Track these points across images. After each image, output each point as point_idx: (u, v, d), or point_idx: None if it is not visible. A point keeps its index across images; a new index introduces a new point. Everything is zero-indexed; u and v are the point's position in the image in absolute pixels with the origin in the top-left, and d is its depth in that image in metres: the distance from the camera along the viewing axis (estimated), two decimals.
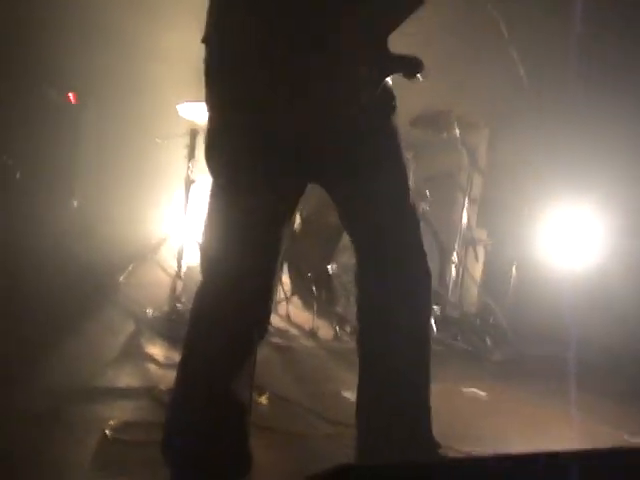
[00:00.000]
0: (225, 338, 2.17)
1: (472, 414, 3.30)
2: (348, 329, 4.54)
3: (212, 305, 2.18)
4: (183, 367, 2.21)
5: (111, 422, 2.72)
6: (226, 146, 2.17)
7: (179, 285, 4.82)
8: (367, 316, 2.22)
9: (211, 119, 2.19)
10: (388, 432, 2.12)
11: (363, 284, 2.24)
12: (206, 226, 2.27)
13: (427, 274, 2.24)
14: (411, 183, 5.31)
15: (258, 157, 2.12)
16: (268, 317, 2.24)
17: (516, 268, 5.19)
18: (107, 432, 2.62)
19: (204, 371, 2.16)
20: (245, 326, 2.18)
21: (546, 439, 3.08)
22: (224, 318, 2.15)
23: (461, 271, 5.26)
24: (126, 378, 3.34)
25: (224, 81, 2.10)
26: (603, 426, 3.27)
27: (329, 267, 4.48)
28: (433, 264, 4.84)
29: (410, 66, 2.07)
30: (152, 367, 3.54)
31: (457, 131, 5.16)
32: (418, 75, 2.08)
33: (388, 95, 2.17)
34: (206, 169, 2.23)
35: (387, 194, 2.20)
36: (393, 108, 2.19)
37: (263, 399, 3.11)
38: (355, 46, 2.01)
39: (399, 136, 2.23)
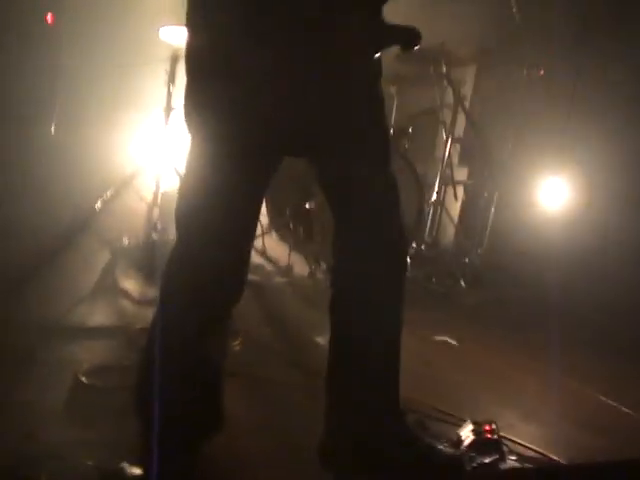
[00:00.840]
0: (197, 308, 2.15)
1: (443, 365, 3.34)
2: (324, 266, 4.55)
3: (186, 272, 2.15)
4: (154, 334, 2.20)
5: (85, 365, 2.73)
6: (206, 106, 2.11)
7: (155, 213, 4.79)
8: (340, 281, 2.21)
9: (192, 73, 2.12)
10: (357, 410, 2.14)
11: (337, 248, 2.23)
12: (183, 185, 2.23)
13: (403, 240, 2.23)
14: (393, 119, 5.25)
15: (240, 121, 2.07)
16: (243, 286, 2.22)
17: (495, 209, 5.19)
18: (81, 377, 2.63)
19: (177, 338, 2.15)
20: (218, 296, 2.17)
21: (515, 393, 3.13)
22: (198, 287, 2.14)
23: (439, 210, 5.26)
24: (101, 316, 3.34)
25: (208, 41, 2.04)
26: (575, 381, 3.30)
27: (307, 204, 4.46)
28: (411, 202, 4.85)
29: (407, 38, 2.01)
30: (127, 304, 3.54)
31: (444, 67, 5.08)
32: (415, 47, 2.02)
33: (376, 61, 2.11)
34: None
35: (367, 160, 2.17)
36: (379, 73, 2.14)
37: (236, 344, 3.13)
38: (349, 15, 1.94)
39: (383, 101, 2.19)
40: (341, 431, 2.16)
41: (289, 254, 4.49)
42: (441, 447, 2.28)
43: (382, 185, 2.19)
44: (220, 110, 2.08)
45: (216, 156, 2.09)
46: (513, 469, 2.19)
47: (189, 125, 2.16)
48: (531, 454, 2.53)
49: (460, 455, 2.23)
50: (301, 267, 4.51)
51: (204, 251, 2.15)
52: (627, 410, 3.04)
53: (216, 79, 2.07)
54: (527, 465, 2.41)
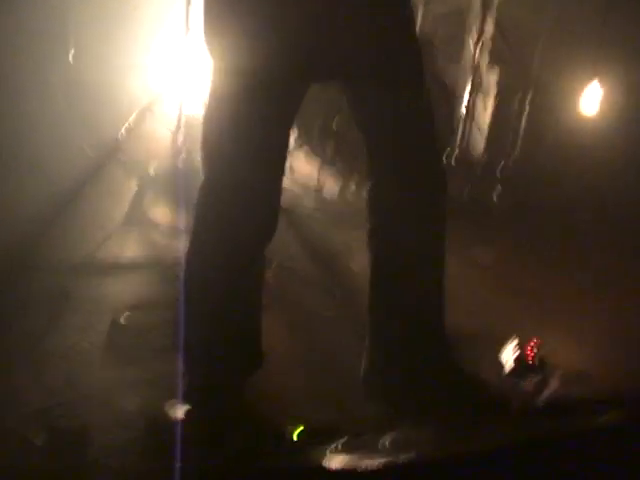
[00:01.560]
0: (231, 244, 2.10)
1: (479, 285, 3.28)
2: (353, 187, 4.47)
3: (217, 208, 2.10)
4: (189, 273, 2.15)
5: (121, 305, 2.71)
6: (228, 30, 2.00)
7: (180, 139, 4.70)
8: (378, 212, 2.15)
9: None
10: (402, 343, 2.10)
11: (372, 178, 2.15)
12: (209, 116, 2.14)
13: (441, 164, 2.14)
14: (421, 20, 4.99)
15: (266, 45, 1.97)
16: (276, 220, 2.16)
17: (527, 114, 5.02)
18: (118, 318, 2.62)
19: (212, 274, 2.11)
20: (252, 231, 2.11)
21: (554, 312, 3.07)
22: (230, 223, 2.08)
23: (469, 120, 5.11)
24: (132, 249, 3.30)
25: None
26: (618, 295, 3.22)
27: (334, 122, 4.35)
28: (440, 112, 4.69)
29: None
30: (157, 236, 3.50)
31: None
32: None
33: None
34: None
35: (401, 83, 2.07)
36: None
37: (270, 275, 3.08)
38: None
39: (414, 19, 2.08)
40: (386, 364, 2.12)
41: (318, 175, 4.40)
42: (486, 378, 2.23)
43: (417, 109, 2.09)
44: (245, 34, 1.97)
45: (243, 86, 2.00)
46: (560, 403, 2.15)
47: (211, 51, 2.06)
48: (574, 376, 2.49)
49: (508, 391, 2.18)
50: (330, 188, 4.43)
51: (235, 184, 2.08)
52: None
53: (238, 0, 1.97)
54: (569, 388, 2.37)
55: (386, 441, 1.40)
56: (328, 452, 1.36)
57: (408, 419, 1.82)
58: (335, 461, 1.27)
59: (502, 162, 4.84)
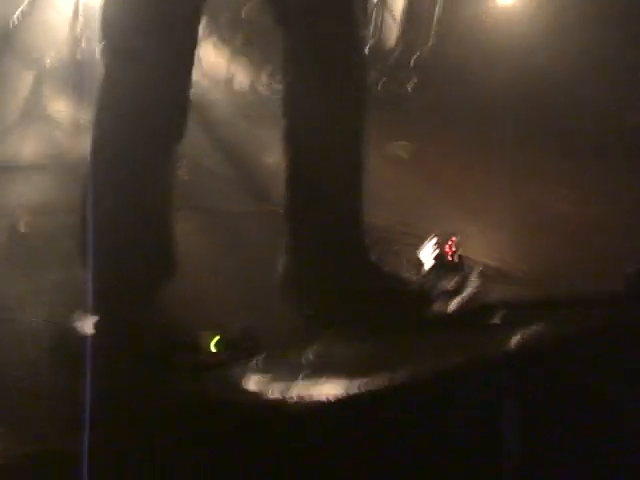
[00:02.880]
0: (139, 142, 1.97)
1: (397, 178, 3.22)
2: (264, 77, 4.30)
3: (122, 104, 1.95)
4: (94, 173, 2.01)
5: (20, 209, 2.54)
6: None
7: (78, 27, 4.41)
8: (293, 108, 2.03)
9: None
10: (320, 240, 2.02)
11: (289, 71, 2.03)
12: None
13: (362, 55, 2.03)
14: None
15: None
16: (186, 115, 2.03)
17: (441, 5, 4.90)
18: (18, 224, 2.45)
19: (118, 176, 1.97)
20: (162, 126, 1.98)
21: (473, 201, 3.04)
22: (137, 119, 1.95)
23: (382, 9, 4.95)
24: (30, 149, 3.10)
25: None
26: (535, 183, 3.21)
27: (243, 10, 4.13)
28: None
29: None
30: (58, 133, 3.29)
31: None
32: None
33: None
34: None
35: None
36: None
37: (182, 173, 2.94)
38: None
39: None
40: (304, 263, 2.05)
41: (227, 66, 4.20)
42: (405, 276, 2.19)
43: None
44: None
45: None
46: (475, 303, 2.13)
47: None
48: (493, 271, 2.48)
49: (425, 287, 2.15)
50: (240, 79, 4.25)
51: (140, 77, 1.93)
52: (587, 210, 2.98)
53: None
54: (489, 285, 2.36)
55: (309, 355, 1.34)
56: (248, 370, 1.28)
57: (329, 327, 1.76)
58: (257, 381, 1.20)
59: (417, 53, 4.72)
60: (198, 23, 1.99)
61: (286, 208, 2.08)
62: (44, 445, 1.48)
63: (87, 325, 1.93)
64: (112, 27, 1.93)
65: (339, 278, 2.02)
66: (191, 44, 1.98)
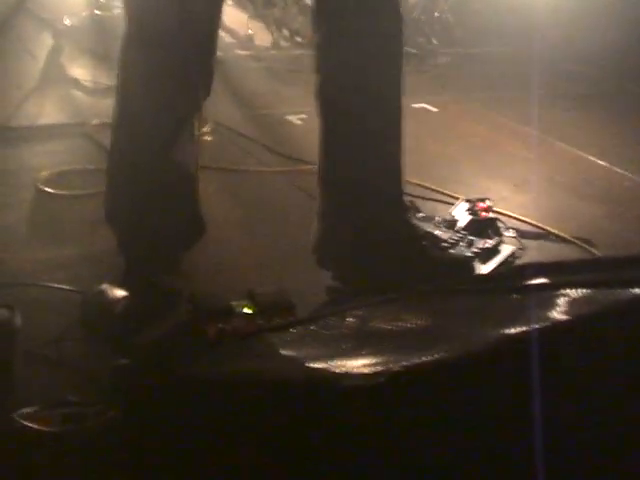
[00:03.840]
0: (164, 96, 1.88)
1: (425, 136, 3.14)
2: (287, 33, 4.21)
3: (147, 62, 1.86)
4: (118, 130, 1.94)
5: (45, 173, 2.49)
6: None
7: None
8: (327, 63, 1.95)
9: None
10: (355, 204, 1.95)
11: (322, 21, 1.94)
12: None
13: (399, 12, 1.94)
14: None
15: None
16: (212, 73, 1.95)
17: None
18: (42, 186, 2.41)
19: (143, 134, 1.90)
20: (187, 81, 1.89)
21: (503, 161, 2.97)
22: (162, 73, 1.86)
23: None
24: (53, 112, 3.05)
25: None
26: (564, 144, 3.13)
27: None
28: None
29: None
30: (80, 95, 3.23)
31: None
32: None
33: None
34: None
35: None
36: None
37: (206, 132, 2.87)
38: None
39: None
40: (338, 227, 1.98)
41: (247, 23, 4.11)
42: (445, 243, 2.12)
43: None
44: None
45: None
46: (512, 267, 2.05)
47: None
48: (528, 228, 2.41)
49: (467, 257, 2.08)
50: (262, 36, 4.15)
51: (163, 35, 1.85)
52: (621, 171, 2.90)
53: None
54: (524, 242, 2.30)
55: (351, 323, 1.28)
56: (285, 339, 1.22)
57: (365, 293, 1.70)
58: (296, 351, 1.14)
59: (439, 7, 4.60)
60: None
61: (320, 169, 2.00)
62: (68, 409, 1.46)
63: (115, 292, 1.88)
64: None
65: (375, 242, 1.96)
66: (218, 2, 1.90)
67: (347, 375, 0.92)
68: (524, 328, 1.27)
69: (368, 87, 1.92)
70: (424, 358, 0.97)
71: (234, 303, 1.77)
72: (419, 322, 1.31)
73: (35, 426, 1.43)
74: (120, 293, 1.87)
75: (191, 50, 1.88)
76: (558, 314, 1.33)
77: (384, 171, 1.98)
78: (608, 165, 2.95)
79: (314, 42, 1.97)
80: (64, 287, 1.93)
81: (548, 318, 1.31)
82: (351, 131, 1.93)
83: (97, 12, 4.10)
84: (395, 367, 0.91)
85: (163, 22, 1.84)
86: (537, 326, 1.28)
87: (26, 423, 1.43)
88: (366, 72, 1.91)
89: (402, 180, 2.01)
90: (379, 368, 0.92)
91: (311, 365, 1.00)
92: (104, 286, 1.88)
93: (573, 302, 1.37)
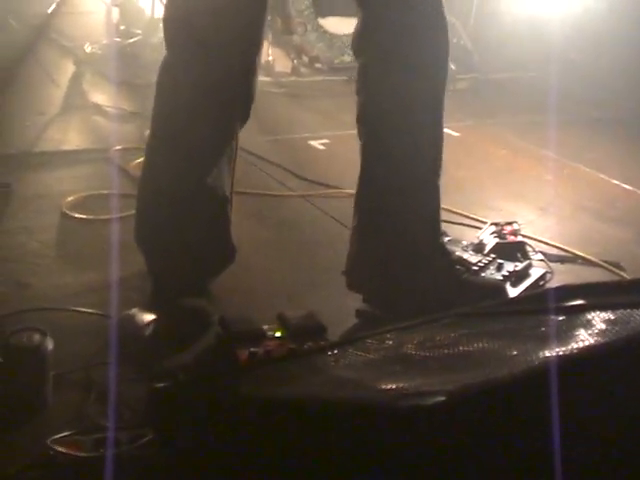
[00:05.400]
0: (204, 119, 1.87)
1: (447, 160, 3.11)
2: (306, 59, 4.22)
3: (184, 80, 1.86)
4: (152, 152, 1.94)
5: (69, 199, 2.49)
6: None
7: (115, 13, 4.36)
8: (369, 85, 1.92)
9: None
10: (390, 232, 1.93)
11: (363, 45, 1.91)
12: None
13: (446, 34, 1.91)
14: None
15: None
16: (252, 96, 1.94)
17: None
18: (68, 210, 2.41)
19: (179, 157, 1.89)
20: (226, 106, 1.88)
21: (526, 185, 2.96)
22: (200, 96, 1.85)
23: None
24: (75, 137, 3.05)
25: None
26: (587, 167, 3.12)
27: None
28: None
29: None
30: (100, 121, 3.24)
31: None
32: None
33: None
34: None
35: None
36: None
37: None
38: None
39: None
40: (372, 250, 1.96)
41: (268, 49, 4.12)
42: (476, 269, 2.09)
43: None
44: None
45: None
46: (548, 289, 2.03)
47: None
48: (555, 251, 2.40)
49: (499, 281, 2.05)
50: (282, 63, 4.17)
51: (204, 62, 1.84)
52: None
53: None
54: (553, 265, 2.28)
55: (387, 342, 1.26)
56: (327, 361, 1.20)
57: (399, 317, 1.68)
58: (339, 375, 1.12)
59: (457, 33, 4.60)
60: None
61: (358, 191, 1.98)
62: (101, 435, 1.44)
63: (144, 316, 1.87)
64: (179, 12, 1.86)
65: (408, 265, 1.93)
66: (260, 25, 1.89)
67: (404, 396, 0.89)
68: (565, 350, 1.25)
69: (411, 111, 1.89)
70: (474, 379, 0.95)
71: (265, 327, 1.76)
72: (457, 344, 1.29)
73: (68, 451, 1.42)
74: (149, 317, 1.85)
75: (235, 68, 1.87)
76: (596, 336, 1.31)
77: (422, 195, 1.96)
78: (631, 188, 2.93)
79: (358, 65, 1.95)
80: (93, 311, 1.91)
81: (586, 340, 1.29)
82: (391, 155, 1.91)
83: (117, 39, 4.14)
84: (450, 387, 0.89)
85: (209, 40, 1.83)
86: (575, 348, 1.26)
87: (59, 449, 1.42)
88: (410, 96, 1.89)
89: (439, 205, 1.98)
90: (435, 388, 0.90)
91: (360, 388, 0.98)
92: (133, 310, 1.87)
93: (609, 324, 1.36)
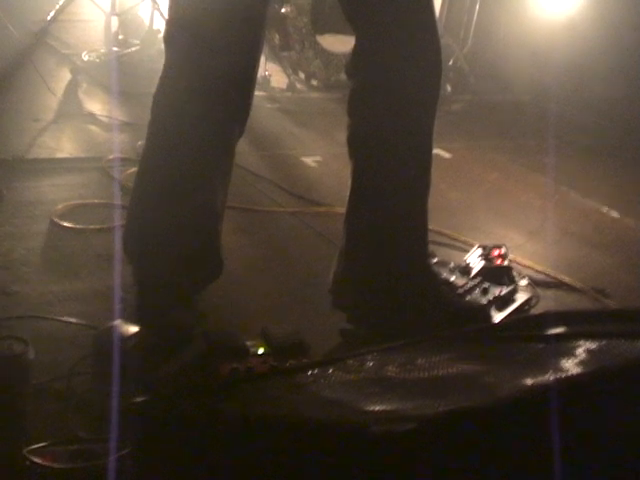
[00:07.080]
0: (197, 133, 1.87)
1: (438, 182, 3.12)
2: (302, 76, 4.24)
3: (182, 88, 1.86)
4: (146, 163, 1.94)
5: (59, 205, 2.49)
6: None
7: (114, 22, 4.37)
8: (361, 109, 1.94)
9: None
10: (379, 250, 1.93)
11: (360, 66, 1.93)
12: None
13: (438, 52, 1.93)
14: None
15: None
16: (249, 110, 1.95)
17: (480, 5, 4.80)
18: (57, 219, 2.41)
19: (174, 172, 1.89)
20: (223, 119, 1.89)
21: (516, 209, 2.97)
22: (199, 104, 1.85)
23: None
24: (69, 145, 3.06)
25: None
26: (577, 193, 3.15)
27: (282, 9, 4.06)
28: None
29: None
30: (96, 130, 3.24)
31: None
32: None
33: None
34: None
35: None
36: None
37: None
38: None
39: None
40: (359, 268, 1.96)
41: (265, 64, 4.14)
42: (462, 292, 2.09)
43: None
44: None
45: None
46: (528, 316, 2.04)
47: None
48: (542, 277, 2.41)
49: (483, 305, 2.06)
50: (279, 78, 4.18)
51: (207, 66, 1.84)
52: (632, 222, 2.91)
53: None
54: (539, 290, 2.29)
55: (368, 363, 1.26)
56: (307, 376, 1.20)
57: (382, 337, 1.69)
58: (318, 395, 1.12)
59: (454, 52, 4.63)
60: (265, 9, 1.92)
61: (348, 210, 1.98)
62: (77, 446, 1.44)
63: (128, 327, 1.86)
64: (181, 21, 1.87)
65: (393, 286, 1.93)
66: (260, 32, 1.90)
67: (376, 421, 0.90)
68: (544, 378, 1.25)
69: (402, 134, 1.91)
70: (451, 405, 0.95)
71: (249, 343, 1.76)
72: (438, 368, 1.29)
73: (43, 462, 1.41)
74: (133, 329, 1.85)
75: (237, 75, 1.88)
76: (579, 365, 1.31)
77: (411, 217, 1.97)
78: (618, 216, 2.95)
79: (350, 86, 1.96)
80: (77, 321, 1.91)
81: (569, 369, 1.29)
82: (381, 176, 1.92)
83: (115, 49, 4.15)
84: (424, 413, 0.89)
85: (213, 43, 1.83)
86: (557, 377, 1.26)
87: (35, 459, 1.41)
88: (401, 119, 1.90)
89: (427, 227, 1.99)
90: (408, 414, 0.91)
91: (334, 409, 0.98)
92: (117, 321, 1.87)
93: (593, 353, 1.36)
